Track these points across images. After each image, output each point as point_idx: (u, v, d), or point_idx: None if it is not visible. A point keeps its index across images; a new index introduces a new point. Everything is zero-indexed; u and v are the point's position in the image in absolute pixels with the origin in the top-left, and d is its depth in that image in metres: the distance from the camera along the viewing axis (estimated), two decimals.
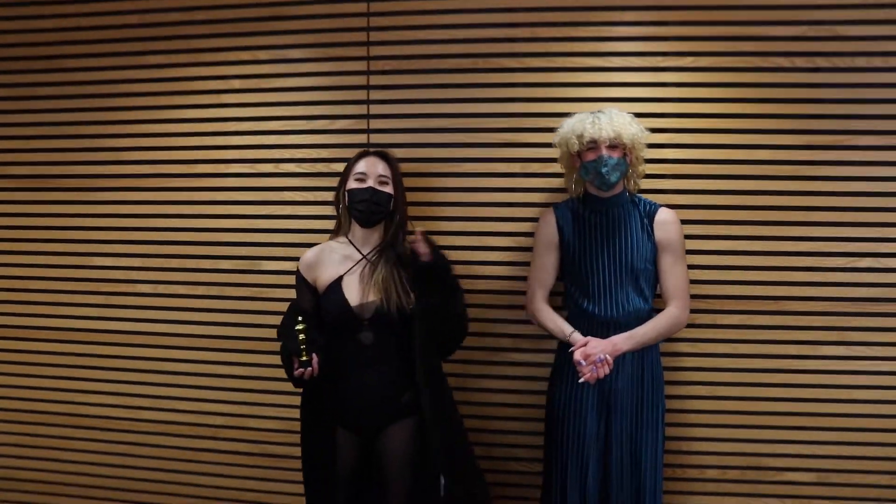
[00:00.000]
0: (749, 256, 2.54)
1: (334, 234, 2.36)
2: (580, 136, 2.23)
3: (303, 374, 2.06)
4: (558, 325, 2.33)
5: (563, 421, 2.34)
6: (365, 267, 2.25)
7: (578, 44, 2.55)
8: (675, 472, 2.64)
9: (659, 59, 2.52)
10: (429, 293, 2.16)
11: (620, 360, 2.26)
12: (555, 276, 2.41)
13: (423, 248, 2.13)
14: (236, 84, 2.77)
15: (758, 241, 2.53)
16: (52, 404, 3.03)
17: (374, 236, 2.29)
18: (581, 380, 2.17)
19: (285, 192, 2.77)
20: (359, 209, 2.22)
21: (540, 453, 2.50)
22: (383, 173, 2.25)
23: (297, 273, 2.31)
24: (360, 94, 2.69)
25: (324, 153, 2.72)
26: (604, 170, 2.21)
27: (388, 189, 2.25)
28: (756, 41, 2.48)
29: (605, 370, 2.15)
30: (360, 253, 2.27)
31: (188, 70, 2.80)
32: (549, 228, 2.38)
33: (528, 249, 2.62)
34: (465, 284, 2.63)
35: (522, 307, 2.64)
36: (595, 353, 2.16)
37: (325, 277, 2.26)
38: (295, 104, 2.73)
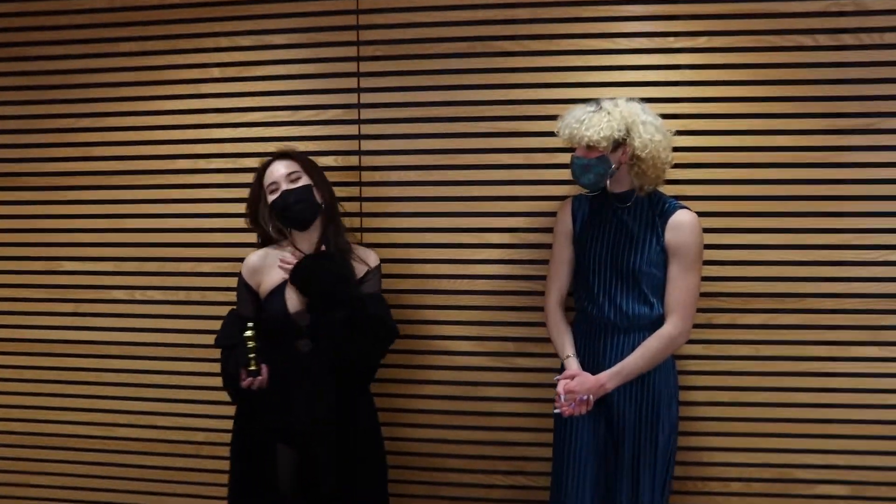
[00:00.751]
0: (771, 251, 2.53)
1: (276, 243, 2.38)
2: (559, 135, 2.24)
3: (251, 384, 2.11)
4: (561, 340, 2.35)
5: (563, 433, 2.35)
6: None
7: (583, 24, 2.55)
8: (697, 485, 2.63)
9: (670, 39, 2.51)
10: (317, 308, 2.22)
11: None
12: (571, 273, 2.41)
13: (285, 266, 2.24)
14: (216, 73, 2.76)
15: (781, 233, 2.52)
16: (16, 423, 3.02)
17: (314, 237, 2.32)
18: (557, 410, 2.20)
19: None
20: (287, 216, 2.25)
21: (548, 466, 2.48)
22: (291, 170, 2.27)
23: (239, 277, 2.33)
24: (350, 83, 2.68)
25: (312, 146, 2.70)
26: (571, 169, 2.24)
27: (303, 181, 2.26)
28: (776, 18, 2.47)
29: (583, 409, 2.19)
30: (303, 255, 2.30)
31: (163, 58, 2.79)
32: (565, 219, 2.40)
33: (531, 246, 2.63)
34: (464, 285, 2.68)
35: (526, 308, 2.66)
36: (579, 392, 2.19)
37: (267, 283, 2.29)
38: (280, 94, 2.72)
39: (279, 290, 2.26)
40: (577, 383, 2.20)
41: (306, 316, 2.23)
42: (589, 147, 2.17)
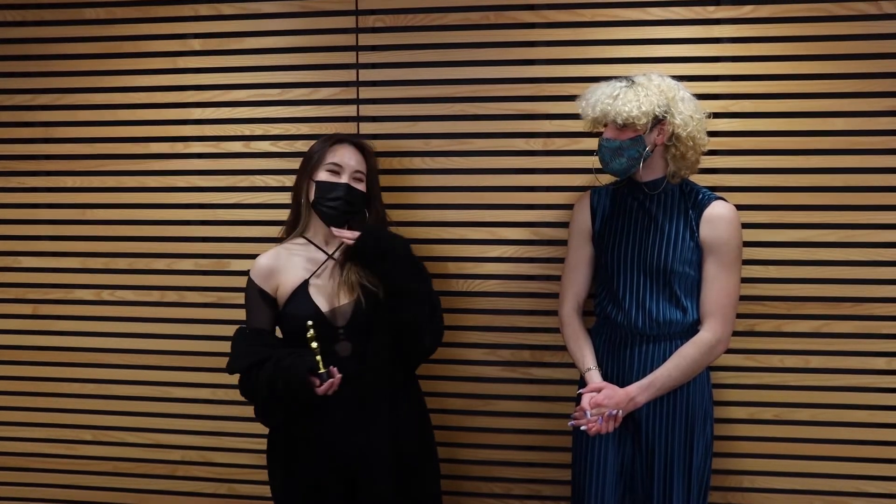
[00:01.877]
0: (823, 249, 2.51)
1: (287, 232, 2.36)
2: (583, 114, 2.22)
3: (329, 388, 2.09)
4: (581, 353, 2.32)
5: (585, 452, 2.32)
6: (332, 267, 2.28)
7: None
8: None
9: (710, 8, 2.49)
10: (382, 277, 2.21)
11: None
12: (590, 276, 2.39)
13: (346, 234, 2.20)
14: (196, 45, 2.74)
15: (834, 229, 2.50)
16: None
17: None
18: (582, 427, 2.16)
19: (257, 177, 2.74)
20: (329, 206, 2.23)
21: (569, 490, 2.46)
22: (359, 168, 2.28)
23: (248, 286, 2.30)
24: (348, 57, 2.67)
25: (304, 129, 2.70)
26: (599, 155, 2.22)
27: (362, 187, 2.28)
28: None
29: (611, 426, 2.15)
30: (326, 253, 2.30)
31: (136, 27, 2.76)
32: (582, 215, 2.37)
33: (550, 243, 2.62)
34: (475, 286, 2.67)
35: (543, 313, 2.64)
36: (607, 406, 2.16)
37: (287, 284, 2.27)
38: (268, 69, 2.70)
39: (303, 290, 2.24)
40: (605, 396, 2.16)
41: (344, 313, 2.21)
42: (623, 126, 2.15)
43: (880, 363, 2.50)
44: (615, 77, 2.22)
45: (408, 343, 2.23)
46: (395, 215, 2.62)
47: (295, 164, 2.62)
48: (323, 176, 2.25)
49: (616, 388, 2.18)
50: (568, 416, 2.40)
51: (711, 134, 2.43)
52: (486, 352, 2.67)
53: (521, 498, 2.71)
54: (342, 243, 2.26)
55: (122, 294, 2.83)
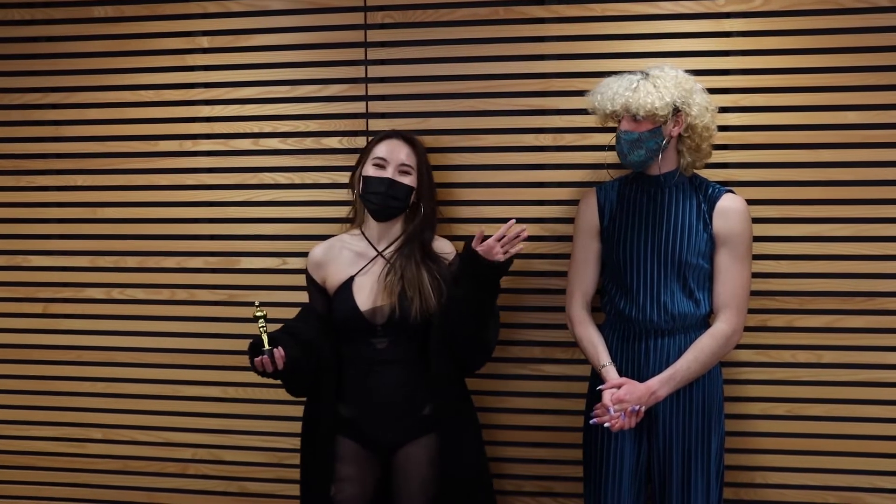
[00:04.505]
0: (835, 243, 2.53)
1: (350, 222, 2.49)
2: (594, 107, 2.27)
3: (262, 364, 2.17)
4: (595, 349, 2.34)
5: (600, 449, 2.35)
6: (381, 265, 2.36)
7: None
8: None
9: (720, 2, 2.52)
10: (468, 285, 2.23)
11: None
12: (598, 273, 2.42)
13: (505, 249, 2.18)
14: (204, 42, 2.77)
15: (846, 224, 2.52)
16: None
17: (392, 230, 2.40)
18: (595, 421, 2.22)
19: (266, 174, 2.77)
20: (372, 201, 2.34)
21: (580, 487, 2.50)
22: (406, 161, 2.36)
23: (305, 272, 2.43)
24: (357, 53, 2.70)
25: (312, 125, 2.73)
26: (617, 147, 2.26)
27: (409, 180, 2.36)
28: None
29: (633, 422, 2.19)
30: (376, 249, 2.39)
31: (144, 25, 2.80)
32: (589, 212, 2.40)
33: (561, 239, 2.64)
34: None
35: (554, 309, 2.65)
36: (629, 402, 2.19)
37: (335, 278, 2.39)
38: (277, 66, 2.74)
39: (347, 287, 2.35)
40: (626, 392, 2.20)
41: (382, 313, 2.31)
42: (640, 119, 2.19)
43: (893, 358, 2.52)
44: (627, 71, 2.26)
45: (473, 358, 2.34)
46: None
47: (304, 161, 2.73)
48: (370, 170, 2.34)
49: (636, 383, 2.22)
50: (580, 413, 2.45)
51: (722, 128, 2.48)
52: (497, 348, 2.60)
53: (533, 495, 2.73)
54: (394, 241, 2.37)
55: (133, 292, 2.86)
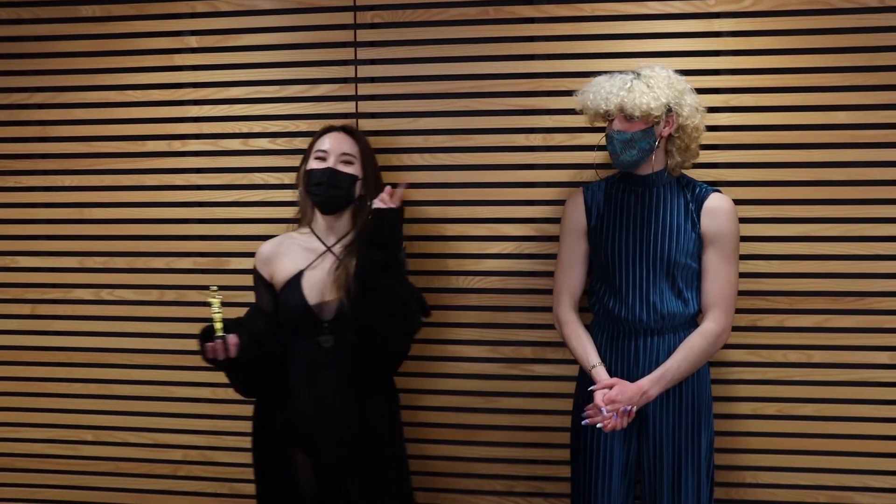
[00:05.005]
0: (825, 243, 2.54)
1: (298, 222, 2.47)
2: (586, 107, 2.27)
3: (215, 350, 2.15)
4: (584, 350, 2.35)
5: (588, 448, 2.36)
6: (330, 261, 2.35)
7: None
8: None
9: (710, 2, 2.52)
10: (377, 245, 2.23)
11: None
12: (585, 273, 2.43)
13: (395, 197, 2.23)
14: (193, 42, 2.77)
15: (836, 223, 2.53)
16: None
17: (339, 225, 2.39)
18: (587, 422, 2.22)
19: (256, 174, 2.78)
20: (315, 192, 2.33)
21: (569, 487, 2.49)
22: (348, 151, 2.35)
23: (253, 270, 2.43)
24: (346, 53, 2.70)
25: (302, 125, 2.73)
26: (610, 147, 2.26)
27: (353, 170, 2.35)
28: None
29: (625, 422, 2.20)
30: (325, 245, 2.37)
31: (132, 24, 2.79)
32: (576, 213, 2.40)
33: (551, 239, 2.64)
34: (476, 282, 2.70)
35: (545, 309, 2.65)
36: (621, 402, 2.20)
37: (283, 273, 2.37)
38: (266, 66, 2.74)
39: (295, 281, 2.33)
40: (618, 392, 2.21)
41: (329, 308, 2.30)
42: (636, 118, 2.19)
43: (883, 357, 2.53)
44: (617, 71, 2.27)
45: (369, 344, 2.26)
46: None
47: (293, 161, 2.69)
48: (312, 164, 2.34)
49: (627, 383, 2.23)
50: (569, 413, 2.46)
51: (712, 128, 2.49)
52: (487, 349, 2.70)
53: (524, 495, 2.74)
54: (343, 236, 2.36)
55: (121, 293, 2.86)
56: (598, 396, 2.20)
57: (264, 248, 2.42)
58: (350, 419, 2.31)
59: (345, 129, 2.39)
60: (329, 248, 2.36)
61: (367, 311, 2.22)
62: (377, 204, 2.22)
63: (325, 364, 2.30)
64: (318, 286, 2.32)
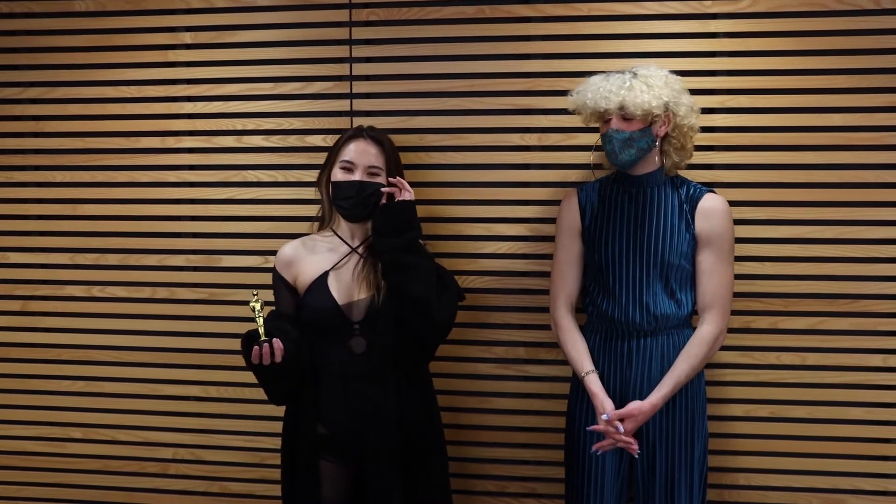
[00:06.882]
0: (820, 245, 2.55)
1: (319, 226, 2.45)
2: (583, 106, 2.28)
3: (258, 357, 2.12)
4: (577, 353, 2.36)
5: (582, 449, 2.37)
6: (355, 261, 2.33)
7: None
8: None
9: (706, 3, 2.54)
10: (390, 234, 2.24)
11: (646, 383, 2.29)
12: (581, 274, 2.44)
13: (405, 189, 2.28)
14: (187, 38, 2.78)
15: (831, 226, 2.55)
16: None
17: (364, 228, 2.38)
18: (600, 452, 2.26)
19: (249, 172, 2.78)
20: (343, 206, 2.31)
21: (563, 488, 2.51)
22: (375, 164, 2.32)
23: (273, 272, 2.39)
24: (341, 51, 2.71)
25: (297, 123, 2.74)
26: (608, 147, 2.26)
27: (380, 179, 2.33)
28: None
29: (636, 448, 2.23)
30: (349, 245, 2.36)
31: (127, 20, 2.80)
32: (570, 213, 2.41)
33: (547, 239, 2.65)
34: (470, 282, 2.70)
35: (539, 309, 2.67)
36: (642, 422, 2.22)
37: (307, 274, 2.33)
38: (260, 63, 2.74)
39: (322, 282, 2.30)
40: (636, 423, 2.21)
41: (359, 308, 2.28)
42: (636, 118, 2.20)
43: (876, 360, 2.55)
44: (613, 71, 2.27)
45: (419, 321, 2.23)
46: None
47: (287, 158, 2.73)
48: (337, 174, 2.31)
49: (640, 405, 2.22)
50: (563, 414, 2.47)
51: (708, 129, 2.51)
52: (480, 349, 2.71)
53: (516, 496, 2.75)
54: (367, 238, 2.34)
55: (113, 290, 2.86)
56: (622, 427, 2.19)
57: (286, 249, 2.37)
58: (388, 418, 2.25)
59: (372, 138, 2.33)
60: (354, 249, 2.34)
61: (406, 285, 2.19)
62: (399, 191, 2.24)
63: (358, 369, 2.26)
64: (345, 286, 2.29)
